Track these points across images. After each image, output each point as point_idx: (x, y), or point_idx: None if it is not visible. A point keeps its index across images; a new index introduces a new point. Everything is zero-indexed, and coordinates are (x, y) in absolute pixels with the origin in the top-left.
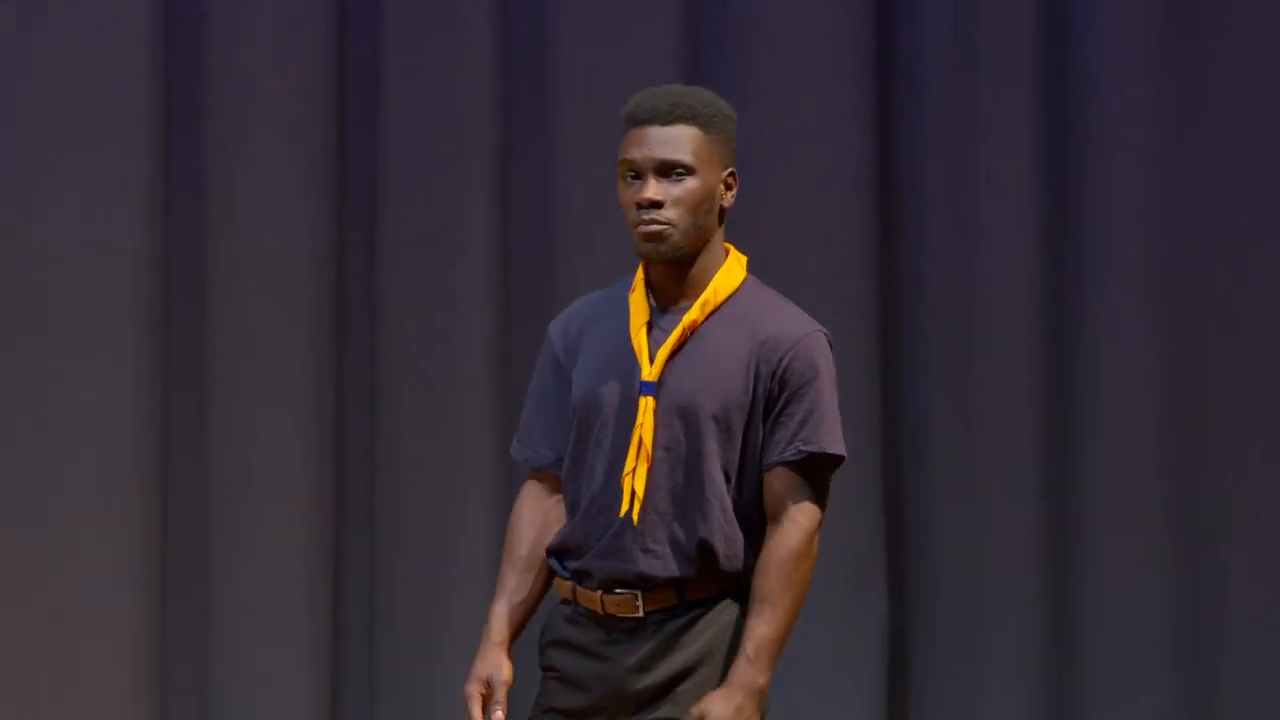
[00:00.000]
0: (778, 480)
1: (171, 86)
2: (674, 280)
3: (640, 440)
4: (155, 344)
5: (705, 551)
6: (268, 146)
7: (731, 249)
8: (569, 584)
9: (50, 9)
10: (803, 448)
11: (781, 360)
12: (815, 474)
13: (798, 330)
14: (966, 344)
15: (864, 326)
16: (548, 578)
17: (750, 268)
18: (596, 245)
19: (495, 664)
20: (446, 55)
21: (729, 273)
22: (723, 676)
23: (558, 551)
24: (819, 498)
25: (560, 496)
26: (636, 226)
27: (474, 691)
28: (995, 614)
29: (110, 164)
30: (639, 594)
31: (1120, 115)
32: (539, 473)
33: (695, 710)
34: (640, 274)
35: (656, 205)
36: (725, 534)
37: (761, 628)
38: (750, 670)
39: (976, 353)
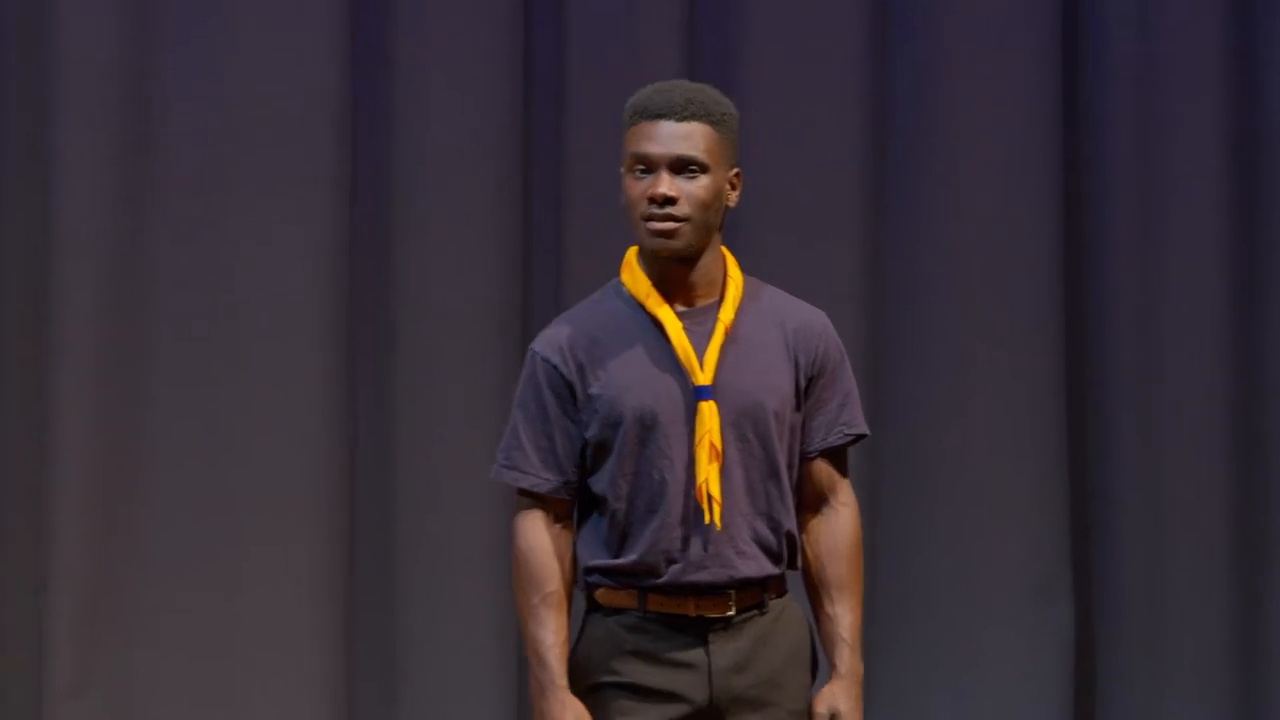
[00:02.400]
0: (823, 465)
1: (358, 92)
2: (683, 280)
3: (710, 445)
4: (341, 348)
5: (790, 543)
6: (452, 152)
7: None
8: (630, 592)
9: (244, 21)
10: (847, 431)
11: (817, 347)
12: (847, 455)
13: (818, 315)
14: (1154, 347)
15: (1050, 328)
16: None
17: (947, 268)
18: (773, 249)
19: (578, 712)
20: (630, 59)
21: (735, 270)
22: (810, 666)
23: (622, 572)
24: (850, 477)
25: (565, 524)
26: (647, 221)
27: None
28: (1182, 627)
29: (298, 170)
30: (732, 593)
31: None
32: (540, 499)
33: (823, 708)
34: (641, 279)
35: (671, 201)
36: (795, 523)
37: (849, 615)
38: (853, 659)
39: (1165, 354)
